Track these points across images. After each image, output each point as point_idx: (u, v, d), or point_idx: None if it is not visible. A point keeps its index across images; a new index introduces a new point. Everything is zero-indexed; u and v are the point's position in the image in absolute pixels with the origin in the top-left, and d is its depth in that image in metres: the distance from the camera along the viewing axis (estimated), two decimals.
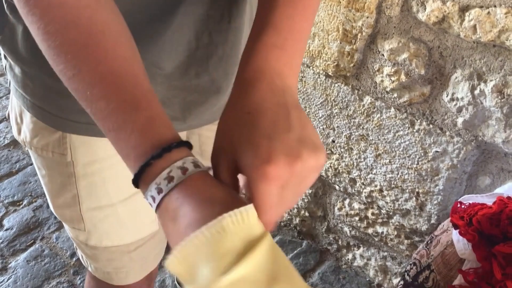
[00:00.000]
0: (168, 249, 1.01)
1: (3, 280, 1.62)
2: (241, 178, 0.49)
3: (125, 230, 0.81)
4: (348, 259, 1.66)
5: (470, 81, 1.08)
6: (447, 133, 1.18)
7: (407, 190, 1.33)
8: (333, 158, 1.47)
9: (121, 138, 0.47)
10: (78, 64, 0.47)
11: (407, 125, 1.25)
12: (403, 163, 1.30)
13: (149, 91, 0.48)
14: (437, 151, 1.22)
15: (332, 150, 1.45)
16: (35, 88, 0.69)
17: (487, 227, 0.83)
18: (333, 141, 1.44)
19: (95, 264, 0.89)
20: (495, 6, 0.97)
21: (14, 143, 2.10)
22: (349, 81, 1.31)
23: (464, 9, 1.02)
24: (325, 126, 1.43)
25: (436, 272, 0.92)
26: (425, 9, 1.07)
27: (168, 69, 0.67)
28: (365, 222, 1.51)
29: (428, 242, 1.00)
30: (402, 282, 1.00)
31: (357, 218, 1.53)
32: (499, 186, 1.14)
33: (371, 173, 1.39)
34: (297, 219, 1.75)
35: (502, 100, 1.04)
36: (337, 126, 1.40)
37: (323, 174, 1.53)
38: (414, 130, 1.24)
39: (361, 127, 1.34)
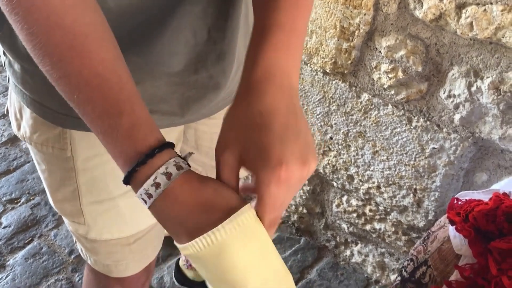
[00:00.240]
0: (166, 240, 1.01)
1: (1, 277, 1.62)
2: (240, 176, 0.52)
3: (124, 223, 0.82)
4: (346, 255, 1.66)
5: (467, 78, 1.09)
6: (444, 129, 1.19)
7: (405, 187, 1.34)
8: (331, 155, 1.47)
9: (108, 142, 0.50)
10: (63, 67, 0.48)
11: (404, 122, 1.25)
12: (401, 159, 1.30)
13: (134, 94, 0.50)
14: (434, 148, 1.22)
15: (330, 147, 1.46)
16: (34, 84, 0.69)
17: (483, 223, 0.84)
18: (331, 138, 1.44)
19: (95, 257, 0.89)
20: (491, 4, 0.98)
21: (11, 141, 2.09)
22: (346, 78, 1.32)
23: (460, 7, 1.03)
24: (323, 123, 1.44)
25: (433, 267, 0.93)
26: (422, 6, 1.08)
27: (171, 67, 0.68)
28: (363, 219, 1.52)
29: (425, 238, 1.00)
30: (399, 278, 1.01)
31: (355, 215, 1.53)
32: (496, 182, 1.15)
33: (369, 169, 1.40)
34: (295, 216, 1.75)
35: (499, 97, 1.05)
36: (335, 123, 1.41)
37: (321, 171, 1.54)
38: (412, 127, 1.24)
39: (358, 124, 1.35)
